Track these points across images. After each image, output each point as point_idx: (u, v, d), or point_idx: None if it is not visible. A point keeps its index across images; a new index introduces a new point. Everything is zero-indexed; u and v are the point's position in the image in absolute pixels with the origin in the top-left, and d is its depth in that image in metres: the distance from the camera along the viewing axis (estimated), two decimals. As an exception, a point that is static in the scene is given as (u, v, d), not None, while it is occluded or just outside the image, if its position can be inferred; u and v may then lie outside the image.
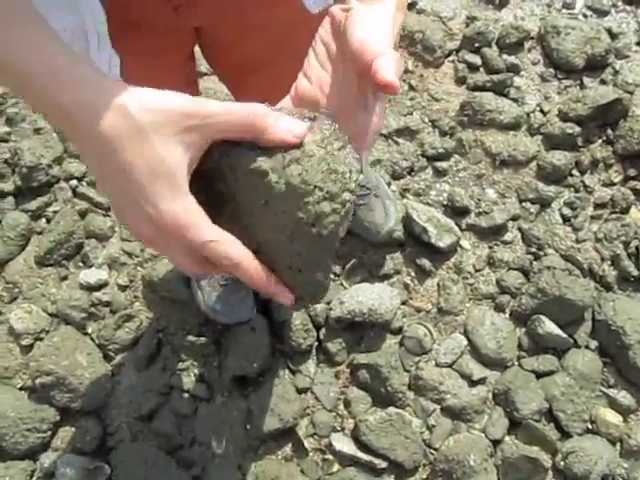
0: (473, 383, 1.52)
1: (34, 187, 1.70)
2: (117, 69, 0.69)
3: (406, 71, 1.85)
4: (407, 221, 1.62)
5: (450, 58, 1.88)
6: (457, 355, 1.54)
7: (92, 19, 0.64)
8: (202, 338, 1.53)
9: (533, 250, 1.64)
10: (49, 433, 1.47)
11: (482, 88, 1.81)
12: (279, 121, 0.45)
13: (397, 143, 1.76)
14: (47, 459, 1.46)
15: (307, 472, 1.45)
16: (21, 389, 1.52)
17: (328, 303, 1.55)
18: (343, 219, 0.49)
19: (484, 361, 1.53)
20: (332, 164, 0.47)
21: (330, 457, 1.47)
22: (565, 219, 1.68)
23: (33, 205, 1.70)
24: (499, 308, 1.60)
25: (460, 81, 1.84)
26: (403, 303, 1.59)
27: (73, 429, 1.49)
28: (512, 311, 1.59)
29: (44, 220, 1.70)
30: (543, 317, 1.53)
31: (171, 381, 1.52)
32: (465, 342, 1.55)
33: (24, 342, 1.55)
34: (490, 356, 1.53)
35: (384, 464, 1.44)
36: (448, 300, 1.59)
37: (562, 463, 1.43)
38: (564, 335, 1.52)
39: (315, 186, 0.47)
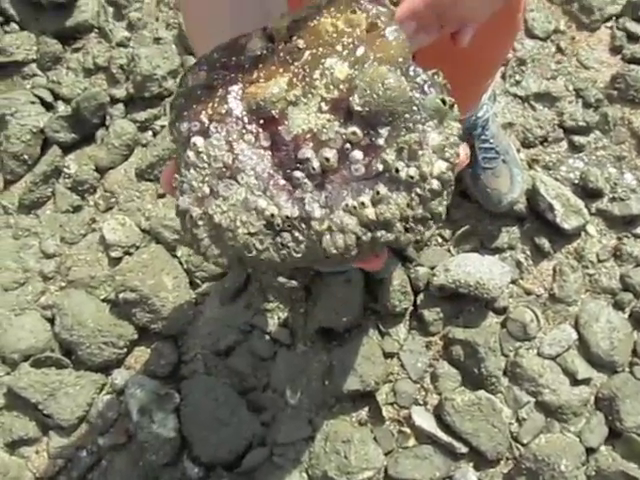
0: (576, 382, 1.38)
1: (145, 97, 1.64)
2: None
3: (556, 31, 1.67)
4: (532, 194, 1.47)
5: (608, 24, 1.68)
6: (563, 348, 1.40)
7: None
8: (293, 281, 1.45)
9: (668, 249, 1.46)
10: (125, 350, 1.44)
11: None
12: None
13: (534, 108, 1.60)
14: (119, 376, 1.42)
15: (380, 441, 1.36)
16: (103, 301, 1.48)
17: (432, 268, 1.44)
18: None
19: (592, 360, 1.39)
20: None
21: (407, 430, 1.37)
22: None
23: (142, 116, 1.64)
24: (618, 306, 1.44)
25: (615, 50, 1.65)
26: (512, 282, 1.46)
27: (149, 351, 1.45)
28: (633, 312, 1.43)
29: (151, 133, 1.64)
30: (668, 325, 1.37)
31: (253, 320, 1.45)
32: (575, 336, 1.41)
33: (113, 254, 1.51)
34: (600, 356, 1.38)
35: (464, 449, 1.33)
36: (563, 287, 1.44)
37: (662, 487, 1.29)
38: (689, 349, 1.36)
39: None
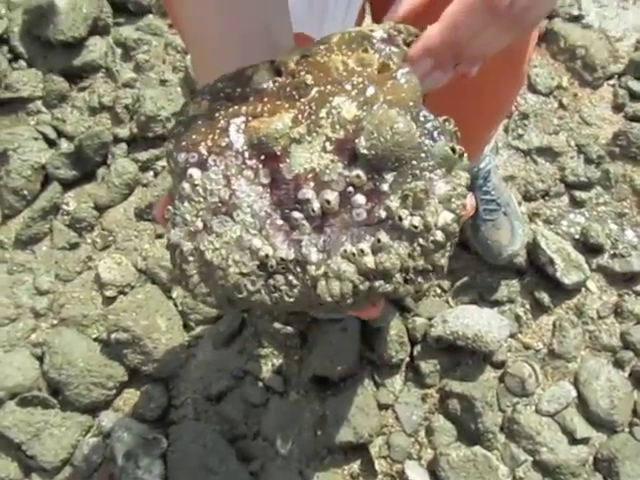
0: (574, 441, 1.34)
1: (149, 138, 1.64)
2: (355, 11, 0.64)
3: (559, 87, 1.68)
4: (533, 248, 1.46)
5: (611, 82, 1.70)
6: (562, 406, 1.37)
7: None
8: (289, 328, 1.43)
9: (669, 308, 1.45)
10: (114, 392, 1.40)
11: (641, 120, 1.62)
12: None
13: (535, 162, 1.60)
14: (106, 418, 1.39)
15: (372, 496, 1.32)
16: (95, 340, 1.45)
17: (430, 319, 1.42)
18: None
19: (591, 419, 1.36)
20: None
21: (400, 485, 1.34)
22: None
23: (144, 156, 1.64)
24: (619, 364, 1.41)
25: (618, 108, 1.66)
26: (511, 336, 1.44)
27: (138, 393, 1.42)
28: (633, 371, 1.40)
29: (152, 173, 1.64)
30: (670, 385, 1.34)
31: (247, 366, 1.42)
32: (574, 393, 1.38)
33: (108, 293, 1.49)
34: (600, 415, 1.35)
35: (458, 508, 1.29)
36: (562, 343, 1.42)
37: None
38: (691, 411, 1.33)
39: None
